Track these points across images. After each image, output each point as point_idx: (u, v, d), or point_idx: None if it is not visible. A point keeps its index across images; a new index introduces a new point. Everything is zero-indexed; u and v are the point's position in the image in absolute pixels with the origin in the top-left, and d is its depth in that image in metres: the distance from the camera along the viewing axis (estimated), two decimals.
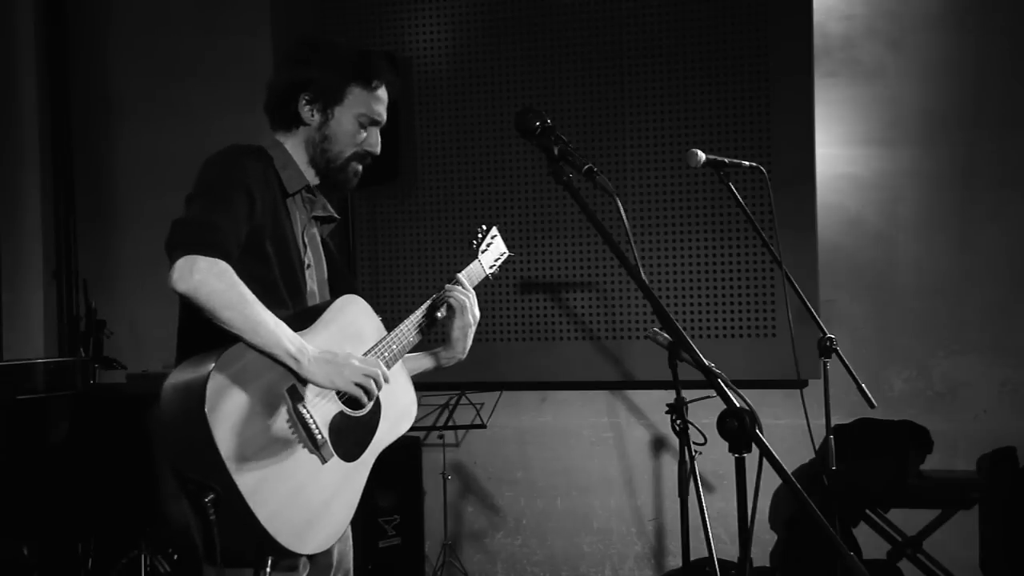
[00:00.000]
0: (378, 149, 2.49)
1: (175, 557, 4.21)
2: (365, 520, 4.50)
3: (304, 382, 2.19)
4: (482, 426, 4.67)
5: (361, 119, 2.44)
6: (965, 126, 4.61)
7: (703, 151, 3.23)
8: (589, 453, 4.93)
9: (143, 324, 5.26)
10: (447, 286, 2.61)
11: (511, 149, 4.84)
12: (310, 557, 2.26)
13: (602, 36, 4.77)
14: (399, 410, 2.46)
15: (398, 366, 2.48)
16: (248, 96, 5.13)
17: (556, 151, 2.29)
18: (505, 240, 2.87)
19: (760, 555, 4.71)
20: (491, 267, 2.80)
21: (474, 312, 2.60)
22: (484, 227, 2.83)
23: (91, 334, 4.84)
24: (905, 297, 4.67)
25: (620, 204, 2.51)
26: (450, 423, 4.67)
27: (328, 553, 2.38)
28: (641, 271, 2.33)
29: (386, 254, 4.97)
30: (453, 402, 4.66)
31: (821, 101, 4.63)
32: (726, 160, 3.32)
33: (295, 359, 2.15)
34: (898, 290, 4.68)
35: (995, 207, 4.60)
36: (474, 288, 2.66)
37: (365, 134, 2.46)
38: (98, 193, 5.46)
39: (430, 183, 4.95)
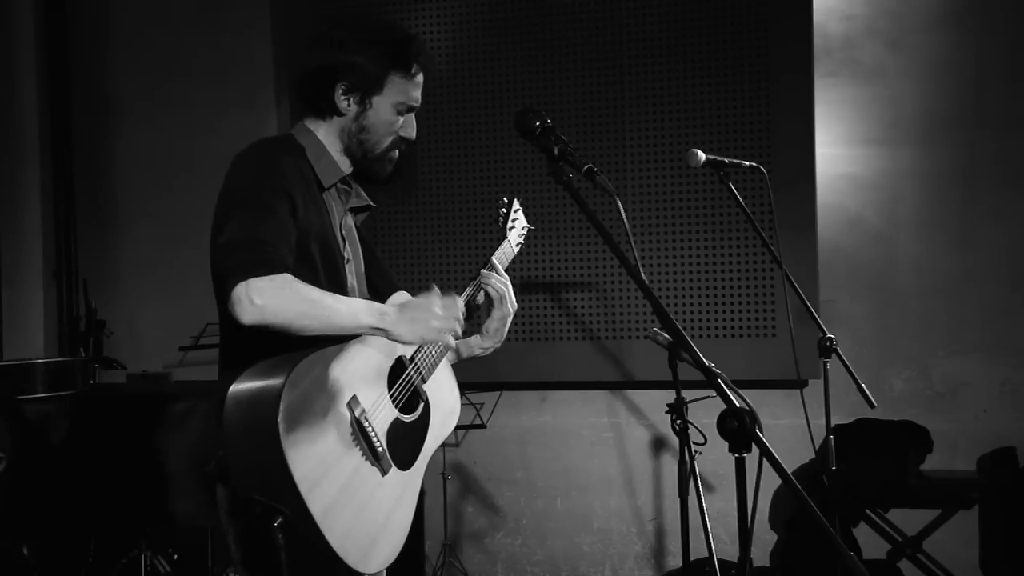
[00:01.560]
0: (414, 134, 2.39)
1: (175, 557, 4.21)
2: None
3: (398, 342, 2.13)
4: (482, 426, 4.67)
5: (399, 107, 2.32)
6: (965, 126, 4.61)
7: (703, 151, 3.23)
8: (589, 453, 4.93)
9: (143, 324, 5.26)
10: (483, 272, 2.53)
11: (511, 149, 4.84)
12: None
13: (602, 36, 4.77)
14: (446, 410, 2.43)
15: (443, 363, 2.43)
16: (248, 95, 5.21)
17: (556, 151, 2.28)
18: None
19: (760, 555, 4.71)
20: (517, 244, 2.71)
21: (512, 300, 2.52)
22: (506, 200, 2.71)
23: (91, 334, 4.84)
24: (905, 297, 4.67)
25: (620, 204, 2.50)
26: None
27: None
28: (641, 271, 2.33)
29: (386, 254, 4.97)
30: None
31: (821, 101, 4.63)
32: (726, 160, 3.32)
33: (379, 328, 2.08)
34: (898, 290, 4.68)
35: (995, 207, 4.59)
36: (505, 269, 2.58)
37: (402, 121, 2.35)
38: (98, 193, 5.45)
39: (430, 183, 4.95)
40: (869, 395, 3.37)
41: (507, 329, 2.55)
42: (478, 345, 2.58)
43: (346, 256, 2.35)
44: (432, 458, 5.16)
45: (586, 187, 2.39)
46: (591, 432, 4.93)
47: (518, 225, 2.73)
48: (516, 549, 5.01)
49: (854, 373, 3.40)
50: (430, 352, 2.35)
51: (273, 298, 1.99)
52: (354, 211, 2.43)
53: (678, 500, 3.23)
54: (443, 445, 4.77)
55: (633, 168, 4.75)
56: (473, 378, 4.67)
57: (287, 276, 2.03)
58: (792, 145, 4.58)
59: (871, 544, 4.55)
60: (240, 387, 2.01)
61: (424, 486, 4.87)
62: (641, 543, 4.87)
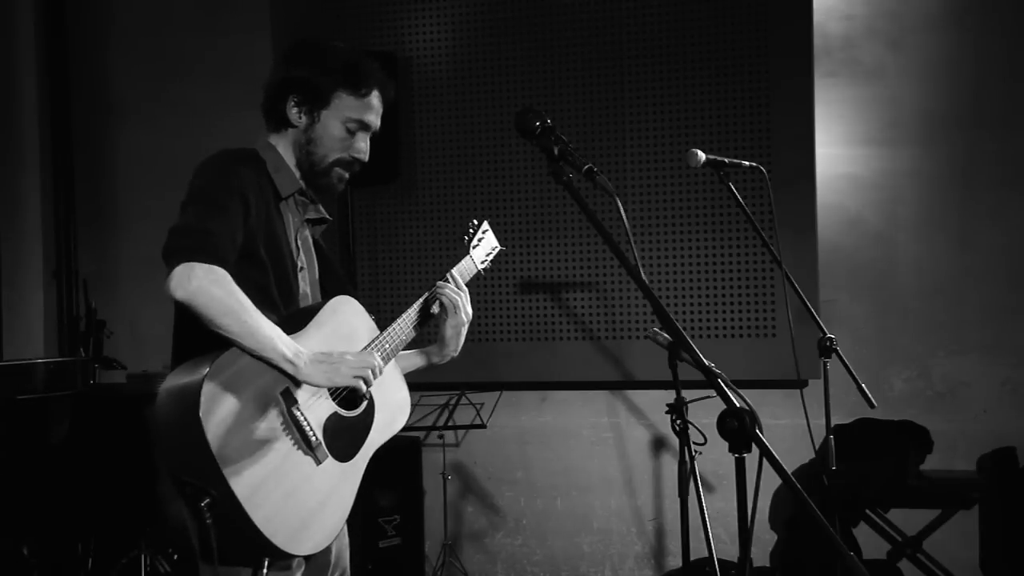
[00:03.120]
0: (366, 156, 2.48)
1: (175, 557, 4.21)
2: (365, 520, 4.50)
3: (299, 384, 2.21)
4: (482, 426, 4.67)
5: (349, 124, 2.44)
6: (965, 126, 4.61)
7: (703, 151, 3.23)
8: (589, 453, 4.93)
9: (143, 324, 5.26)
10: (439, 283, 2.61)
11: (511, 149, 4.84)
12: (306, 557, 2.28)
13: (602, 36, 4.77)
14: (393, 409, 2.48)
15: (391, 365, 2.49)
16: (248, 96, 5.10)
17: (556, 151, 2.29)
18: (504, 239, 2.86)
19: (760, 555, 4.71)
20: (483, 262, 2.81)
21: (467, 310, 2.60)
22: (475, 221, 2.83)
23: (91, 334, 4.84)
24: (905, 297, 4.68)
25: (620, 204, 2.51)
26: (450, 423, 4.67)
27: (326, 552, 2.39)
28: (641, 271, 2.33)
29: (386, 254, 4.97)
30: (453, 402, 4.66)
31: (821, 101, 4.63)
32: (726, 160, 3.32)
33: (291, 363, 2.17)
34: (898, 290, 4.68)
35: (995, 207, 4.60)
36: (467, 284, 2.66)
37: (353, 140, 2.45)
38: (98, 193, 5.45)
39: (430, 183, 4.95)
40: (869, 395, 3.37)
41: (463, 338, 2.63)
42: (436, 353, 2.66)
43: (300, 264, 2.45)
44: (432, 458, 5.18)
45: (586, 187, 2.39)
46: (591, 432, 4.93)
47: (484, 244, 2.82)
48: (516, 549, 5.01)
49: (854, 373, 3.40)
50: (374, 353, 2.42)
51: (207, 286, 2.12)
52: (312, 223, 2.53)
53: (678, 500, 3.23)
54: (443, 445, 4.80)
55: (633, 168, 4.75)
56: (473, 378, 4.68)
57: (224, 272, 2.15)
58: (792, 145, 4.58)
59: (871, 544, 4.55)
60: (169, 382, 2.15)
61: (424, 486, 4.91)
62: (641, 543, 4.87)
